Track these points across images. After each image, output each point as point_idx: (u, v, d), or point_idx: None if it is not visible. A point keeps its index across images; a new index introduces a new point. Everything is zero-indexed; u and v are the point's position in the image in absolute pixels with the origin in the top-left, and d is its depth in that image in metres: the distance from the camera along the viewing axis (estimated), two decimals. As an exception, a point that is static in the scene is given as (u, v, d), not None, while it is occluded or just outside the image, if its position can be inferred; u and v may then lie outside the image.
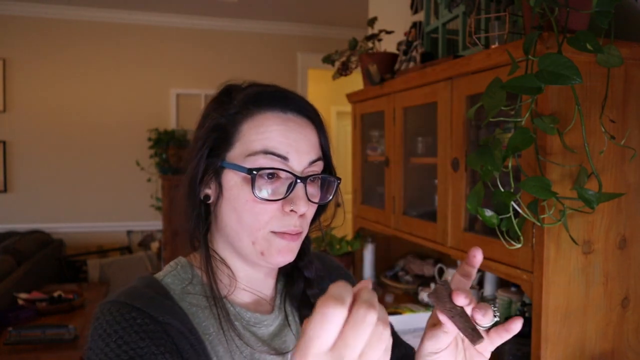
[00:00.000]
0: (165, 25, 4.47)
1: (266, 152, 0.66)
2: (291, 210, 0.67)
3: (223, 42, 4.60)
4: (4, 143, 4.15)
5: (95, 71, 4.34)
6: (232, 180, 0.68)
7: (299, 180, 0.67)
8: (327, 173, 0.74)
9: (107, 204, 4.39)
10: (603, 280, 1.16)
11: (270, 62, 4.68)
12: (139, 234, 4.50)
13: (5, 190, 4.17)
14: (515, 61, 1.00)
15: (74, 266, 4.00)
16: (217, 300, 0.70)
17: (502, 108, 1.01)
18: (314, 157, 0.70)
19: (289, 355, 0.74)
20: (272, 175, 0.67)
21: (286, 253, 0.69)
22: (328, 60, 2.13)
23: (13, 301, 2.88)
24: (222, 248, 0.74)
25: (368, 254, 2.29)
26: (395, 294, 2.13)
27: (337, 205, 0.80)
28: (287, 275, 0.82)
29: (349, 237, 2.31)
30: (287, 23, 4.65)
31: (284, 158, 0.67)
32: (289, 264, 0.72)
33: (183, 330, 0.66)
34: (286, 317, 0.78)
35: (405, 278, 2.25)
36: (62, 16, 4.22)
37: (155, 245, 4.34)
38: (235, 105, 0.70)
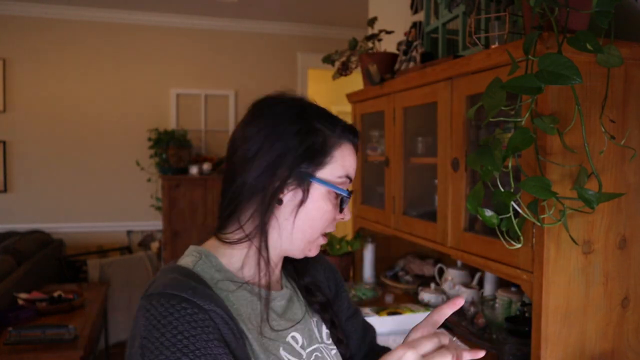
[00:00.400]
0: (165, 25, 4.46)
1: (347, 177, 0.85)
2: (341, 218, 0.87)
3: (223, 42, 4.60)
4: (4, 143, 4.15)
5: (95, 71, 4.34)
6: (319, 193, 0.82)
7: (348, 197, 0.86)
8: None
9: (107, 204, 4.39)
10: (603, 280, 1.16)
11: (270, 62, 4.67)
12: (139, 234, 4.50)
13: (5, 190, 4.17)
14: (515, 61, 1.00)
15: (74, 266, 4.00)
16: (260, 289, 0.82)
17: (502, 108, 1.01)
18: None
19: (302, 323, 0.88)
20: None
21: (319, 248, 0.89)
22: (328, 60, 2.13)
23: (13, 301, 2.87)
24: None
25: (368, 254, 2.29)
26: (395, 294, 2.13)
27: None
28: None
29: (349, 237, 2.31)
30: (287, 23, 4.65)
31: (351, 181, 0.87)
32: None
33: (224, 317, 0.73)
34: (294, 291, 0.93)
35: (405, 278, 2.25)
36: (62, 16, 4.22)
37: (155, 245, 4.34)
38: (330, 134, 0.84)
